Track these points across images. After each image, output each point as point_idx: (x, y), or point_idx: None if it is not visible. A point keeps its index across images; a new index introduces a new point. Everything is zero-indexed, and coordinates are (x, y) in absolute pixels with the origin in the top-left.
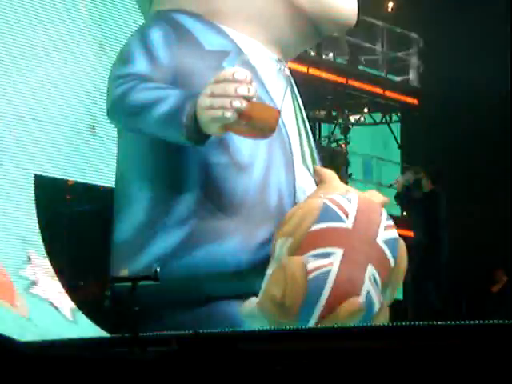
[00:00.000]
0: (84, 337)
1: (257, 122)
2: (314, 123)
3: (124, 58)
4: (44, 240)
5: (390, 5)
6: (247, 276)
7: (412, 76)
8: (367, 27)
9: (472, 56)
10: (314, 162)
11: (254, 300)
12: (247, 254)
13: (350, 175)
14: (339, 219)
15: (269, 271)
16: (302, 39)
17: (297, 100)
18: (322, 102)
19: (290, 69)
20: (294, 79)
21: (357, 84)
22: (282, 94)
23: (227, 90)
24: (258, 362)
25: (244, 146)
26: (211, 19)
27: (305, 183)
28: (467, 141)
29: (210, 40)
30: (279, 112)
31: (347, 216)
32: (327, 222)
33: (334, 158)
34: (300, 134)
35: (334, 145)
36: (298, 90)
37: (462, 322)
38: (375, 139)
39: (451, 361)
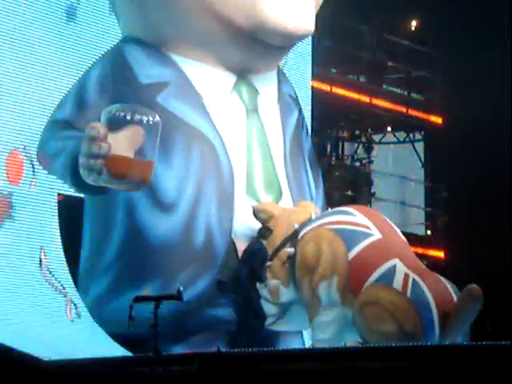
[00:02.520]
0: (107, 356)
1: (121, 177)
2: (337, 142)
3: (60, 101)
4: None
5: (414, 23)
6: (170, 320)
7: (435, 94)
8: (390, 46)
9: (496, 74)
10: (272, 191)
11: None
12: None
13: (373, 194)
14: (367, 235)
15: (324, 318)
16: (255, 55)
17: (260, 124)
18: (345, 121)
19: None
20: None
21: (380, 103)
22: (234, 119)
23: (83, 149)
24: (279, 382)
25: (169, 185)
26: (162, 47)
27: (249, 214)
28: (491, 159)
29: (149, 72)
30: (152, 164)
31: (368, 228)
32: (359, 243)
33: (357, 177)
34: (252, 162)
35: (357, 164)
36: (297, 107)
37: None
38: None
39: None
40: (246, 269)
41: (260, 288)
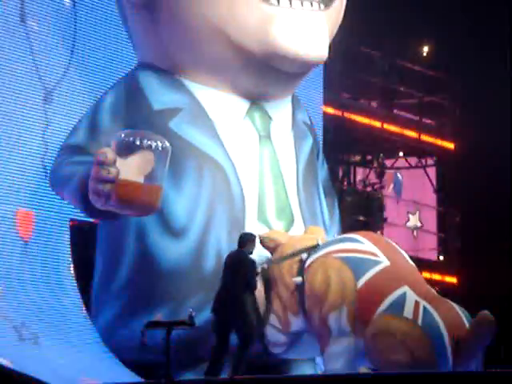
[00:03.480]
0: (120, 381)
1: (130, 202)
2: (349, 167)
3: (74, 126)
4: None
5: (426, 49)
6: (180, 347)
7: (447, 120)
8: (402, 71)
9: (509, 99)
10: (284, 218)
11: None
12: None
13: (385, 219)
14: (375, 262)
15: (336, 349)
16: (268, 81)
17: (273, 150)
18: (357, 146)
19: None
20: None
21: (392, 128)
22: (246, 145)
23: (92, 174)
24: None
25: (180, 211)
26: (176, 74)
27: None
28: (504, 184)
29: (161, 98)
30: (159, 189)
31: (376, 255)
32: (367, 271)
33: (369, 202)
34: (263, 189)
35: (369, 189)
36: (310, 132)
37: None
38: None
39: None
40: (239, 278)
41: (268, 316)
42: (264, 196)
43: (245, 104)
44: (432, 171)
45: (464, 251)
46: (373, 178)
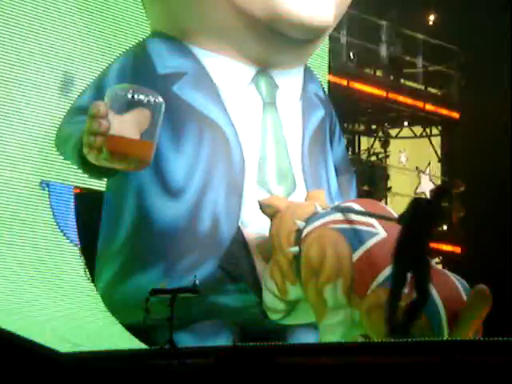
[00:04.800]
0: (123, 348)
1: (120, 156)
2: (354, 136)
3: (83, 90)
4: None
5: (431, 18)
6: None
7: (453, 89)
8: (408, 40)
9: None
10: (284, 183)
11: None
12: (170, 282)
13: (389, 188)
14: (372, 234)
15: (331, 321)
16: (274, 47)
17: (277, 117)
18: (362, 116)
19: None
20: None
21: (397, 97)
22: (250, 111)
23: (86, 127)
24: (296, 376)
25: (178, 171)
26: (183, 40)
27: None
28: (508, 154)
29: (166, 63)
30: (151, 144)
31: (373, 226)
32: (363, 243)
33: (373, 172)
34: (265, 154)
35: (373, 158)
36: (323, 100)
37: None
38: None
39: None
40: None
41: (267, 284)
42: (265, 160)
43: (251, 71)
44: (437, 141)
45: (468, 221)
46: (377, 147)
